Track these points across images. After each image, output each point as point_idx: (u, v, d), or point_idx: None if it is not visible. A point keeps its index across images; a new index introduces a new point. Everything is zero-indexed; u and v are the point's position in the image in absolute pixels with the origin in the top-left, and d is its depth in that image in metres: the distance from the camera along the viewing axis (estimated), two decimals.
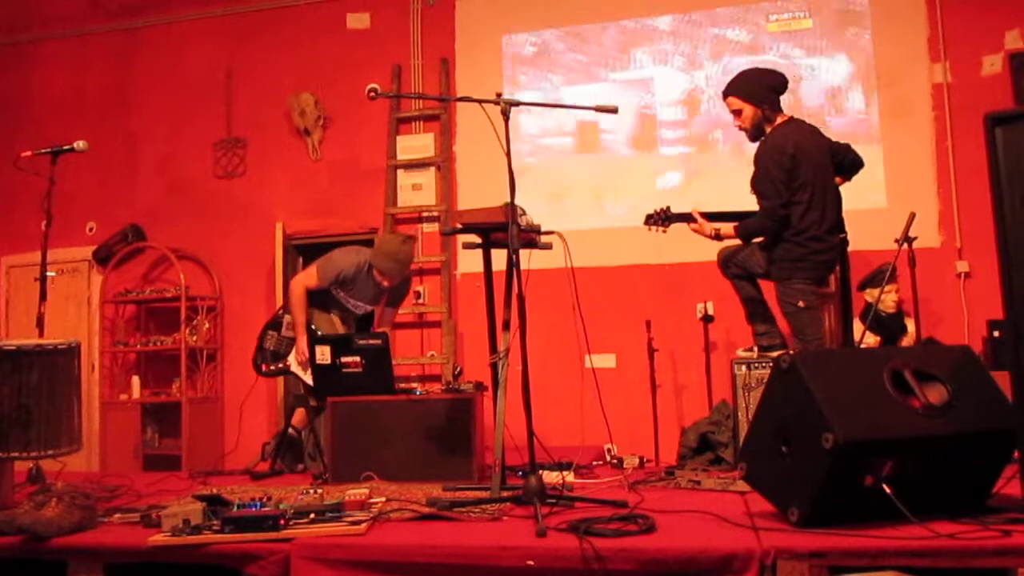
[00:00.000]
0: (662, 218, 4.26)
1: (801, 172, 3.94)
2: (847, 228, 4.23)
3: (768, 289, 4.23)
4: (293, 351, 4.66)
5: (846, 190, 4.26)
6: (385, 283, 4.64)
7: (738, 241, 4.23)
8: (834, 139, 4.28)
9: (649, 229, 4.33)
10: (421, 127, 6.47)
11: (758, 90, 4.10)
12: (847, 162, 4.25)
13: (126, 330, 6.67)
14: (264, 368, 4.78)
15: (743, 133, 4.21)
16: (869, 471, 2.53)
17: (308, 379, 4.54)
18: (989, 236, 2.62)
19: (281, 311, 4.86)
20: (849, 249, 4.37)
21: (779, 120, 4.09)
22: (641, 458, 4.52)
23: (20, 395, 3.23)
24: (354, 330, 4.86)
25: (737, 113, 4.13)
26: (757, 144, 4.11)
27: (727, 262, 4.29)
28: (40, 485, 3.79)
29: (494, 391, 3.58)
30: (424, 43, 6.47)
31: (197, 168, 6.73)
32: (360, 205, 6.38)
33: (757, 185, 4.03)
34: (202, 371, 6.41)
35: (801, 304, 3.96)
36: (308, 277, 4.67)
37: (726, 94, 4.18)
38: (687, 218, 4.26)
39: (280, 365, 4.71)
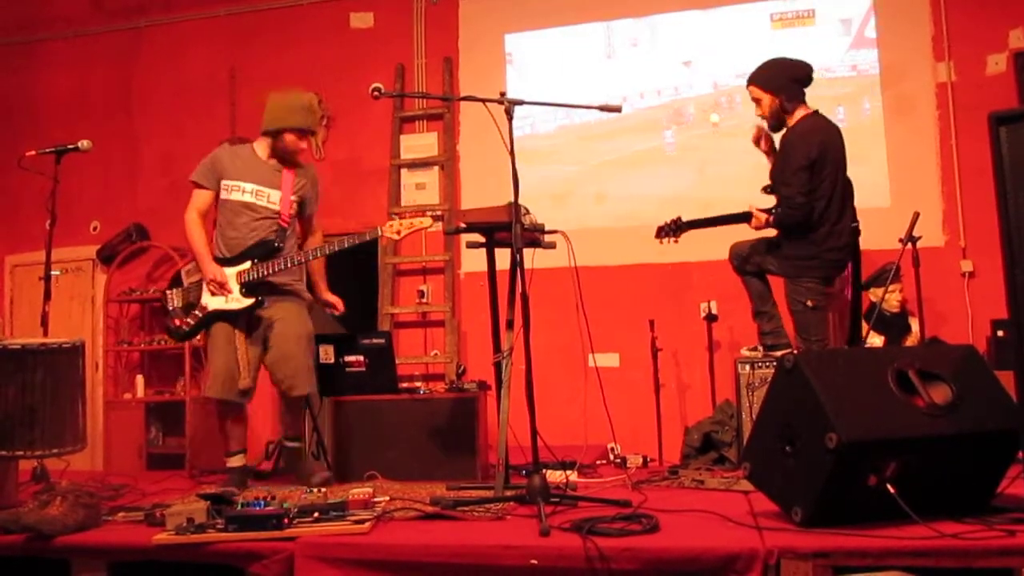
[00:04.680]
0: (673, 228, 4.23)
1: (826, 168, 3.93)
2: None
3: (776, 286, 4.21)
4: (203, 293, 4.00)
5: None
6: (303, 146, 4.07)
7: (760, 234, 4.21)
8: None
9: (661, 242, 4.28)
10: (424, 126, 6.47)
11: (776, 80, 4.10)
12: None
13: (130, 329, 6.67)
14: (178, 325, 4.06)
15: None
16: (873, 471, 2.53)
17: (233, 304, 3.93)
18: (993, 235, 2.62)
19: (178, 271, 4.29)
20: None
21: (802, 112, 4.07)
22: (645, 457, 4.53)
23: (25, 394, 3.24)
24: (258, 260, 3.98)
25: (757, 102, 4.14)
26: (781, 134, 4.12)
27: (744, 260, 4.25)
28: (44, 484, 3.80)
29: (497, 390, 3.59)
30: (427, 42, 6.47)
31: None
32: (363, 204, 6.38)
33: (779, 174, 4.03)
34: (205, 370, 6.41)
35: (809, 304, 3.95)
36: (192, 200, 4.10)
37: (747, 83, 4.19)
38: (700, 224, 4.23)
39: (196, 313, 4.01)
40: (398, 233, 3.90)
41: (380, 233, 3.92)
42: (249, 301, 3.92)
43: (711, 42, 5.99)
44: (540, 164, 6.16)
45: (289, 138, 4.03)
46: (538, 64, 6.33)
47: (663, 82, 6.12)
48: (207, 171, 4.08)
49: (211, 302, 3.96)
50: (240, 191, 4.01)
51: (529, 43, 6.36)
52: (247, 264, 3.95)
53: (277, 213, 4.03)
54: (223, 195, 4.04)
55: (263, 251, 3.95)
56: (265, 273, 3.93)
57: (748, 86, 4.17)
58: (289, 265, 3.96)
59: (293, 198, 4.07)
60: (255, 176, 4.03)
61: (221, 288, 3.91)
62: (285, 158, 4.08)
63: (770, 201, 4.10)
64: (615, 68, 6.21)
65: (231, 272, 3.95)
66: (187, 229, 4.05)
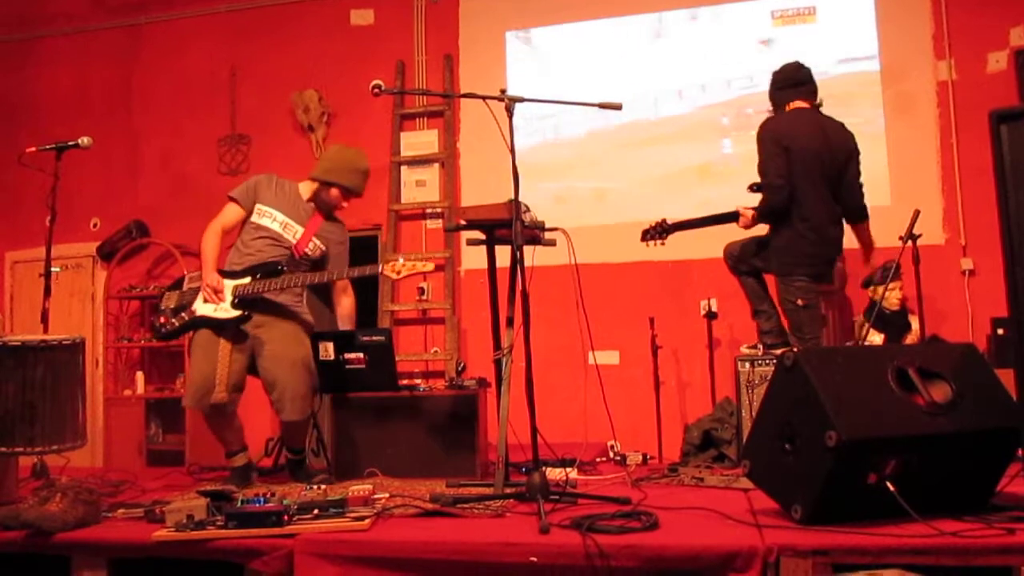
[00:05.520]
0: (658, 231, 4.25)
1: (800, 155, 3.96)
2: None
3: (772, 285, 4.22)
4: (197, 299, 3.98)
5: None
6: (344, 205, 4.16)
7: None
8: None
9: (647, 245, 4.31)
10: (425, 123, 6.47)
11: (769, 95, 4.27)
12: (849, 207, 4.21)
13: (130, 326, 6.67)
14: (162, 323, 4.02)
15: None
16: (873, 469, 2.53)
17: (220, 313, 3.89)
18: (994, 233, 2.62)
19: (182, 277, 4.25)
20: (855, 247, 4.37)
21: (791, 108, 4.12)
22: (644, 455, 4.53)
23: (25, 391, 3.24)
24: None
25: None
26: None
27: (738, 260, 4.27)
28: (44, 480, 3.82)
29: (497, 387, 3.59)
30: (428, 39, 6.47)
31: (201, 165, 6.73)
32: (363, 201, 6.28)
33: (759, 165, 4.07)
34: None
35: (800, 303, 3.97)
36: (222, 213, 4.10)
37: None
38: (687, 226, 4.25)
39: (183, 316, 3.97)
40: (398, 273, 3.86)
41: (380, 270, 3.90)
42: (235, 313, 3.89)
43: (711, 39, 5.93)
44: (561, 177, 6.04)
45: (335, 193, 4.12)
46: (566, 57, 6.22)
47: (661, 78, 6.01)
48: (247, 192, 4.12)
49: (200, 308, 3.94)
50: (271, 218, 4.05)
51: (554, 36, 6.26)
52: (247, 279, 3.94)
53: (293, 246, 4.05)
54: (254, 217, 4.07)
55: (266, 270, 3.95)
56: (261, 289, 3.91)
57: None
58: (288, 285, 3.93)
59: (316, 241, 4.10)
60: (289, 210, 4.08)
61: (215, 295, 3.90)
62: (322, 207, 4.15)
63: (757, 200, 4.11)
64: (661, 55, 6.03)
65: (230, 284, 3.94)
66: (204, 236, 4.04)
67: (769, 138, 4.02)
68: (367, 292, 6.33)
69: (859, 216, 4.24)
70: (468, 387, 4.07)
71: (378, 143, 6.42)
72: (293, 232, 4.06)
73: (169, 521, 2.79)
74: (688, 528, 2.64)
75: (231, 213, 4.10)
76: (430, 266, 3.96)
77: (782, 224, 4.04)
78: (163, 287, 4.25)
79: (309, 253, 4.09)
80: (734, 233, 4.31)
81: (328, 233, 4.15)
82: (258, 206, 4.07)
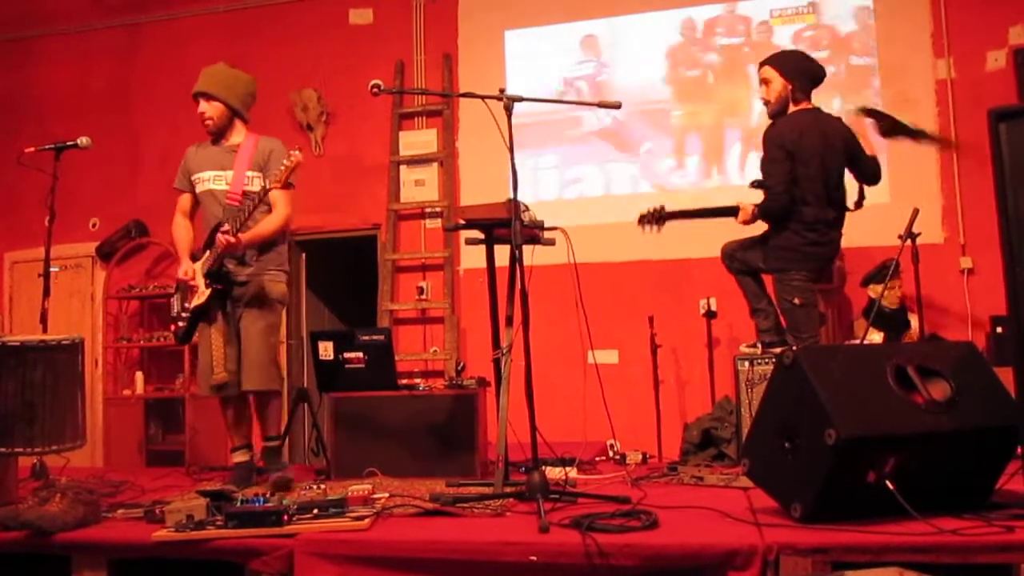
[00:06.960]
0: (656, 217, 4.21)
1: (800, 160, 3.95)
2: (851, 224, 4.21)
3: (770, 284, 4.22)
4: (189, 293, 4.01)
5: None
6: (199, 111, 3.99)
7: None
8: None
9: (643, 230, 4.27)
10: (424, 123, 6.47)
11: (794, 68, 4.11)
12: (868, 172, 4.21)
13: (129, 326, 6.68)
14: (176, 329, 4.07)
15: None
16: (872, 467, 2.53)
17: (201, 299, 3.89)
18: (993, 232, 2.62)
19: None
20: (854, 245, 4.36)
21: (800, 107, 4.10)
22: (644, 454, 4.53)
23: (24, 391, 3.24)
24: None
25: (766, 83, 4.13)
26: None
27: (731, 257, 4.28)
28: (44, 481, 3.81)
29: (497, 387, 3.59)
30: (427, 38, 6.47)
31: None
32: (363, 201, 6.39)
33: (763, 167, 4.05)
34: None
35: (797, 301, 3.96)
36: (177, 204, 4.13)
37: (763, 63, 4.18)
38: (685, 215, 4.23)
39: (184, 315, 3.99)
40: (280, 181, 3.65)
41: (268, 186, 3.73)
42: (208, 292, 3.90)
43: (709, 40, 5.94)
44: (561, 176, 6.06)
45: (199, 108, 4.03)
46: (537, 59, 6.27)
47: (661, 76, 6.04)
48: (180, 174, 4.15)
49: (192, 301, 3.97)
50: (202, 182, 4.04)
51: (529, 38, 6.29)
52: (206, 254, 3.93)
53: (228, 193, 3.96)
54: (197, 189, 4.06)
55: (212, 236, 3.89)
56: (215, 259, 3.86)
57: (763, 66, 4.16)
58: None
59: (249, 174, 3.96)
60: (212, 163, 4.03)
61: (190, 286, 3.93)
62: (214, 134, 4.06)
63: (759, 196, 4.10)
64: (659, 54, 6.04)
65: (198, 266, 3.95)
66: (172, 231, 4.13)
67: (774, 143, 3.97)
68: (367, 291, 6.34)
69: (878, 177, 4.25)
70: (467, 386, 4.06)
71: (377, 142, 6.42)
72: (224, 180, 3.99)
73: (169, 521, 2.79)
74: (688, 527, 2.64)
75: (181, 201, 4.14)
76: (297, 153, 3.63)
77: (780, 223, 4.03)
78: (162, 287, 4.25)
79: (249, 188, 3.94)
80: (732, 231, 4.30)
81: (262, 156, 4.00)
82: (192, 178, 4.07)
